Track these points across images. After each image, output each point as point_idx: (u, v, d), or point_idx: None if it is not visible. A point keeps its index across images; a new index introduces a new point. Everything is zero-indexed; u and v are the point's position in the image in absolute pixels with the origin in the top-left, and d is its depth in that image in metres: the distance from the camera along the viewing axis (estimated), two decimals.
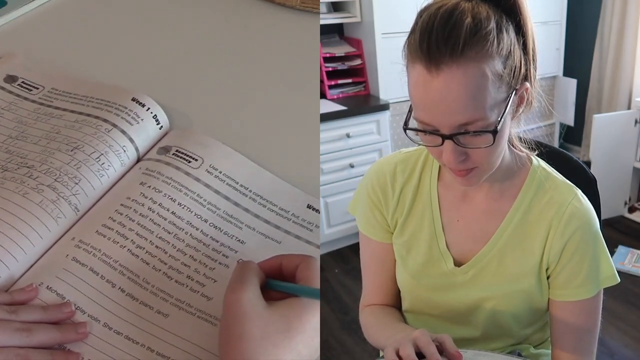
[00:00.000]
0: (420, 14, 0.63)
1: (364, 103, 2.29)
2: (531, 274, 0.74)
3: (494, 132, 0.62)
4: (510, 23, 0.63)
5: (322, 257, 2.18)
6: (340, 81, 2.31)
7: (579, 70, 2.74)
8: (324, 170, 2.12)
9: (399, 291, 0.84)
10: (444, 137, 0.63)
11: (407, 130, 0.66)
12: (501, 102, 0.63)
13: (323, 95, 2.28)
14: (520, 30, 0.64)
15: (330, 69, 2.28)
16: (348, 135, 2.17)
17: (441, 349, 0.64)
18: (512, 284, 0.74)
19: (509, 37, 0.63)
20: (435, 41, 0.60)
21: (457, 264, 0.76)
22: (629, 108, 2.54)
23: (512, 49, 0.63)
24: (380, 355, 0.90)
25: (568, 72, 2.75)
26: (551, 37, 2.66)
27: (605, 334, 1.79)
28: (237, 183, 0.83)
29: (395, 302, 0.86)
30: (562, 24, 2.70)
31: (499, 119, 0.62)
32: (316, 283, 0.63)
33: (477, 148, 0.64)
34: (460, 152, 0.64)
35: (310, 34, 1.04)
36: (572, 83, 2.68)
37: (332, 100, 2.27)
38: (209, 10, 1.06)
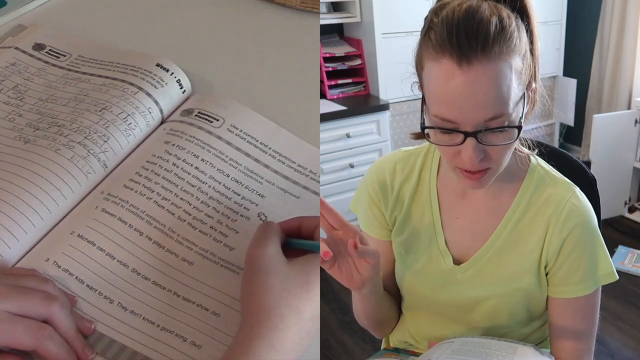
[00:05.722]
0: (435, 12, 0.64)
1: (364, 103, 2.29)
2: (530, 271, 0.74)
3: (519, 128, 0.63)
4: (523, 24, 0.64)
5: None
6: (340, 81, 2.31)
7: (579, 70, 2.74)
8: (324, 171, 2.12)
9: (399, 289, 0.84)
10: (467, 135, 0.63)
11: (424, 130, 0.66)
12: (520, 99, 0.64)
13: (323, 95, 2.28)
14: (529, 32, 0.65)
15: (330, 69, 2.28)
16: (348, 135, 2.17)
17: None
18: (512, 282, 0.74)
19: (524, 36, 0.64)
20: (465, 36, 0.60)
21: (456, 262, 0.76)
22: (629, 108, 2.55)
23: (526, 49, 0.64)
24: (382, 347, 0.91)
25: (568, 72, 2.75)
26: (551, 37, 2.66)
27: (605, 334, 1.79)
28: (257, 141, 0.86)
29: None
30: (562, 24, 2.70)
31: (521, 114, 0.64)
32: None
33: (499, 145, 0.64)
34: (481, 151, 0.64)
35: (310, 34, 1.04)
36: (572, 83, 2.68)
37: (332, 100, 2.27)
38: (209, 11, 1.06)
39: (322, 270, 0.67)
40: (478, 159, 0.64)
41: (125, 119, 0.83)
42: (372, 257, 0.68)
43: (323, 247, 0.65)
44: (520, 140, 0.74)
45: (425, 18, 0.65)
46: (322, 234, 0.69)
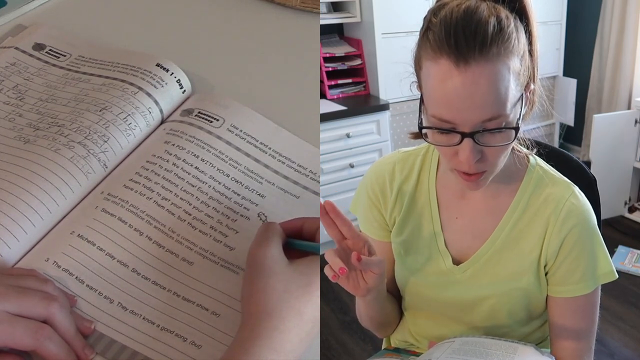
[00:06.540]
0: (434, 12, 0.64)
1: (364, 103, 2.29)
2: (530, 271, 0.74)
3: (516, 129, 0.63)
4: (522, 25, 0.64)
5: (322, 257, 2.16)
6: (340, 81, 2.31)
7: (579, 70, 2.74)
8: (324, 171, 2.12)
9: (399, 290, 0.84)
10: (464, 135, 0.63)
11: (422, 130, 0.66)
12: (517, 100, 0.64)
13: (323, 95, 2.28)
14: (528, 33, 0.65)
15: (330, 69, 2.28)
16: (348, 135, 2.17)
17: None
18: (511, 282, 0.75)
19: (523, 38, 0.64)
20: (463, 36, 0.60)
21: (456, 262, 0.76)
22: (629, 108, 2.55)
23: (525, 50, 0.64)
24: (383, 347, 0.91)
25: (568, 72, 2.75)
26: (551, 37, 2.66)
27: (605, 334, 1.79)
28: (257, 141, 0.86)
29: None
30: (562, 24, 2.71)
31: (519, 116, 0.64)
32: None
33: (496, 146, 0.64)
34: (478, 151, 0.64)
35: (310, 34, 1.04)
36: (572, 83, 2.68)
37: (332, 100, 2.27)
38: (209, 11, 1.06)
39: (321, 270, 0.67)
40: (475, 159, 0.64)
41: (125, 119, 0.83)
42: (377, 267, 0.68)
43: (338, 262, 0.65)
44: (519, 140, 0.74)
45: (424, 18, 0.65)
46: (323, 234, 0.69)
